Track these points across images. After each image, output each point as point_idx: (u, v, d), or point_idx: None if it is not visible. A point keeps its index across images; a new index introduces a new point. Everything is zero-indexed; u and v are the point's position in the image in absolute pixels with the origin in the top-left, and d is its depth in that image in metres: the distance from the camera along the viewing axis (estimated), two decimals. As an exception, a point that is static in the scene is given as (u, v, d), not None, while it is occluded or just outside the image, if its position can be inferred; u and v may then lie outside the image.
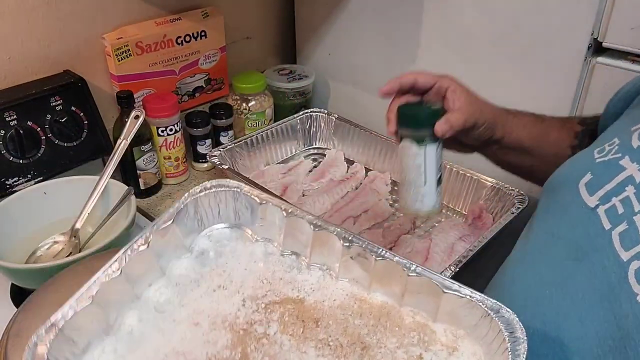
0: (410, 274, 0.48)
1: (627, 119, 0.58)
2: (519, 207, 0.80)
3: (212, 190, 0.55)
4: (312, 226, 0.53)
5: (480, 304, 0.45)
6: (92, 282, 0.46)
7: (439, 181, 0.63)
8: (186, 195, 0.54)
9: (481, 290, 0.58)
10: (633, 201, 0.46)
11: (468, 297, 0.46)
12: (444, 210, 0.92)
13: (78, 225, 0.76)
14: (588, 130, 0.68)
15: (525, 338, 0.41)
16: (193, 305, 0.49)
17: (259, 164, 1.01)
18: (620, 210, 0.46)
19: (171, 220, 0.52)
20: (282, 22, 1.23)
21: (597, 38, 0.78)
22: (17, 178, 0.81)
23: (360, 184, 0.97)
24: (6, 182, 0.79)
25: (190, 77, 1.04)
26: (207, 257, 0.54)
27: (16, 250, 0.74)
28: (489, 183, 0.87)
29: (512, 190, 0.84)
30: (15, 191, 0.78)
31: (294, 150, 1.06)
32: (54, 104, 0.83)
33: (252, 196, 0.55)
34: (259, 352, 0.45)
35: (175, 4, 0.99)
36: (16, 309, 0.55)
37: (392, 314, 0.49)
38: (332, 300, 0.51)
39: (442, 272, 0.67)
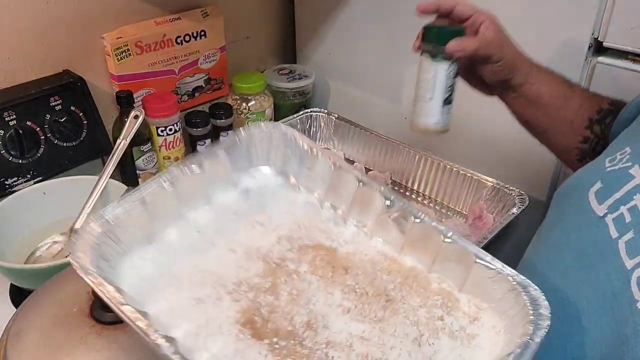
0: (446, 240, 0.49)
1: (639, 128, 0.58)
2: (519, 207, 0.80)
3: (266, 132, 0.56)
4: (357, 182, 0.53)
5: (510, 277, 0.45)
6: (147, 188, 0.47)
7: (447, 101, 0.65)
8: (242, 130, 0.55)
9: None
10: None
11: (499, 269, 0.46)
12: (444, 210, 0.92)
13: (78, 225, 0.76)
14: (614, 113, 0.66)
15: (549, 315, 0.41)
16: (231, 234, 0.51)
17: (258, 164, 1.00)
18: (628, 218, 0.46)
19: (223, 149, 0.53)
20: (282, 22, 1.23)
21: (597, 38, 0.78)
22: (16, 178, 0.80)
23: (360, 184, 0.97)
24: (5, 182, 0.79)
25: (190, 76, 1.04)
26: (250, 195, 0.55)
27: (16, 250, 0.74)
28: (489, 183, 0.87)
29: (512, 190, 0.84)
30: (15, 191, 0.78)
31: (294, 150, 1.06)
32: (53, 103, 0.83)
33: (304, 145, 0.56)
34: (287, 285, 0.46)
35: (175, 4, 0.99)
36: (15, 309, 0.55)
37: (419, 277, 0.50)
38: (363, 254, 0.51)
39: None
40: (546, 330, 0.40)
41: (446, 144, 0.90)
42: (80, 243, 0.42)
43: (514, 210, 0.80)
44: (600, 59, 0.79)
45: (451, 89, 0.65)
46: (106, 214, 0.44)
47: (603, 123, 0.66)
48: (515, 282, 0.44)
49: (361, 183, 0.53)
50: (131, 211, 0.46)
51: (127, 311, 0.38)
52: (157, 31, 0.95)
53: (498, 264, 0.46)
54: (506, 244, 0.78)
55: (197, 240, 0.49)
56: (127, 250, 0.46)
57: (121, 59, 0.92)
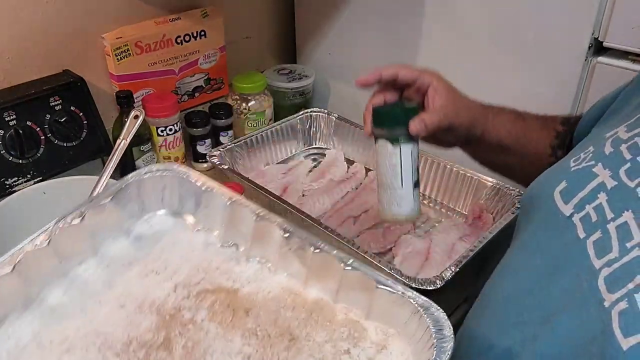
0: (346, 268, 0.48)
1: (603, 126, 0.58)
2: (519, 207, 0.80)
3: (157, 174, 0.53)
4: (254, 216, 0.51)
5: (411, 300, 0.44)
6: (16, 249, 0.45)
7: (416, 184, 0.61)
8: (130, 175, 0.53)
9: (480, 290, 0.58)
10: (605, 209, 0.46)
11: (400, 292, 0.45)
12: (444, 210, 0.92)
13: (77, 225, 0.76)
14: (570, 132, 0.68)
15: (453, 336, 0.41)
16: (122, 287, 0.48)
17: (258, 164, 1.00)
18: (594, 218, 0.46)
19: (110, 198, 0.50)
20: (282, 22, 1.23)
21: (597, 38, 0.78)
22: (16, 178, 0.80)
23: (360, 184, 0.97)
24: (5, 182, 0.79)
25: (190, 76, 1.04)
26: (145, 242, 0.53)
27: (15, 250, 0.74)
28: (489, 183, 0.87)
29: (512, 190, 0.84)
30: (15, 191, 0.78)
31: (294, 150, 1.06)
32: (53, 103, 0.83)
33: (197, 183, 0.54)
34: (182, 337, 0.44)
35: (174, 4, 0.99)
36: (14, 310, 0.54)
37: (325, 309, 0.48)
38: (266, 292, 0.49)
39: (442, 272, 0.67)
40: (450, 353, 0.40)
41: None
42: None
43: (514, 210, 0.79)
44: (600, 59, 0.79)
45: (417, 170, 0.61)
46: None
47: (564, 144, 0.68)
48: (415, 304, 0.44)
49: (258, 217, 0.52)
50: (0, 278, 0.43)
51: None
52: (157, 31, 0.95)
53: (399, 288, 0.45)
54: (505, 244, 0.78)
55: (83, 299, 0.47)
56: (2, 320, 0.44)
57: (121, 59, 0.92)
